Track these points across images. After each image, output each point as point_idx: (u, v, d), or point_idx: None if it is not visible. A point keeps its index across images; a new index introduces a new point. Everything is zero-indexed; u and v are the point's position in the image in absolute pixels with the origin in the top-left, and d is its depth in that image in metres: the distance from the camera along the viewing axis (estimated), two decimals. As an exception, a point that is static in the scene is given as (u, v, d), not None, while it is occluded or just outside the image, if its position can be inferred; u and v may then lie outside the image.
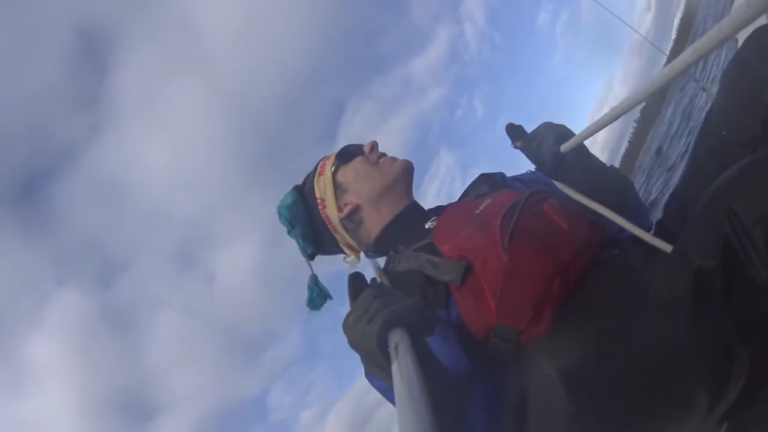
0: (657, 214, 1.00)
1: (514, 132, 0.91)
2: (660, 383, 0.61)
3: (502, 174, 1.13)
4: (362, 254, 1.18)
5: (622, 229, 0.85)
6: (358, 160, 1.12)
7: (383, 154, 1.14)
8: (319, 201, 1.12)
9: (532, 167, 1.09)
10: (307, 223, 1.13)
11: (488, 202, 0.94)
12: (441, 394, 0.61)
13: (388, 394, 0.79)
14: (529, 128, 0.92)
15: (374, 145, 1.14)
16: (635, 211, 0.97)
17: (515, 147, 0.90)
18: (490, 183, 1.09)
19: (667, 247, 0.73)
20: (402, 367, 0.54)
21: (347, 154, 1.14)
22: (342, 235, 1.12)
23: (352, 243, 1.13)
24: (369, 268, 1.09)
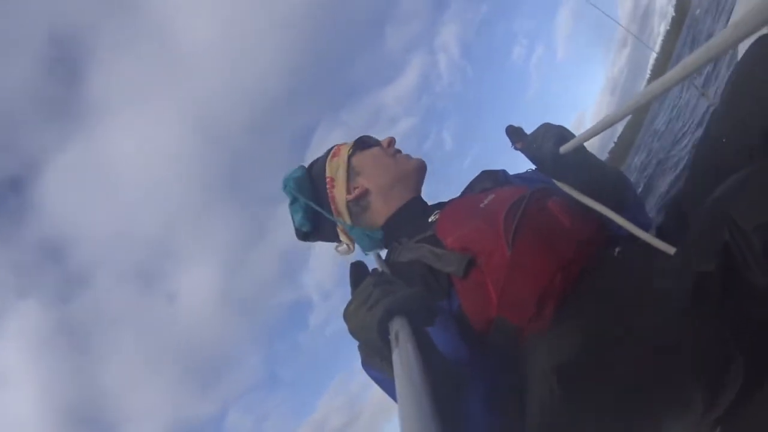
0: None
1: (515, 134, 0.93)
2: (657, 383, 0.61)
3: (504, 171, 1.14)
4: (357, 245, 1.18)
5: (621, 227, 0.85)
6: (376, 149, 1.16)
7: (399, 151, 1.18)
8: (328, 180, 1.13)
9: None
10: (310, 198, 1.14)
11: (492, 197, 0.95)
12: (441, 382, 0.62)
13: (385, 384, 0.79)
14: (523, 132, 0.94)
15: (392, 141, 1.18)
16: (635, 208, 0.98)
17: (515, 148, 0.93)
18: (493, 179, 1.10)
19: (670, 249, 0.74)
20: (402, 356, 0.54)
21: (365, 143, 1.17)
22: (344, 218, 1.13)
23: None
24: (366, 258, 1.09)
